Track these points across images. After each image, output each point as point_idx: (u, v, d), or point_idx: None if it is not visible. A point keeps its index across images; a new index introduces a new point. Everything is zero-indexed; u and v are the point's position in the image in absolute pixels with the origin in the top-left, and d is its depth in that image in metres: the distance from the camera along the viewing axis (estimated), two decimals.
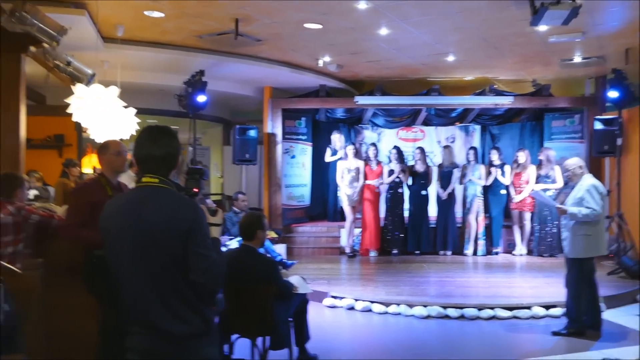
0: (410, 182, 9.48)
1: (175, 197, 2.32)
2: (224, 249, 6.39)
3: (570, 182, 5.88)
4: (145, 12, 6.18)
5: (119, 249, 2.29)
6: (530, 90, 10.43)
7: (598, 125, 8.98)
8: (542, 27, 6.42)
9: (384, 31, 6.91)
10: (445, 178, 9.43)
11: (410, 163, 9.82)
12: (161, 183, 2.31)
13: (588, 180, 5.38)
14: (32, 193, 7.41)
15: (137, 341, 2.28)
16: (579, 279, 5.35)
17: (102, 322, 3.43)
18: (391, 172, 9.41)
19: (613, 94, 8.41)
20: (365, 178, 9.31)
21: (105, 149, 3.82)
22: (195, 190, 2.51)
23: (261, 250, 6.76)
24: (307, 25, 6.69)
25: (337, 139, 10.30)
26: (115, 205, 2.39)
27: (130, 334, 2.30)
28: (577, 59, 8.33)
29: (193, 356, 2.26)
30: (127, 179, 9.30)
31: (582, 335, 5.36)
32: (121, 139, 5.71)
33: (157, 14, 6.25)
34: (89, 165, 11.29)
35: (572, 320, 5.43)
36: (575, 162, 5.54)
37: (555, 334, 5.47)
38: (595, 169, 9.54)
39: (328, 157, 10.26)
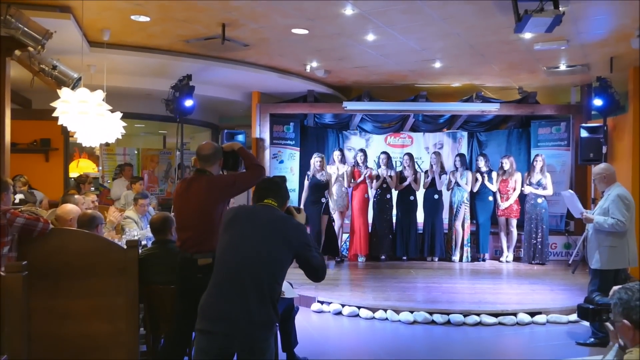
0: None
1: (286, 217, 3.00)
2: None
3: (600, 188, 5.57)
4: (132, 17, 6.15)
5: (238, 234, 2.86)
6: (516, 97, 10.50)
7: (584, 133, 9.06)
8: (527, 35, 6.48)
9: (370, 37, 6.93)
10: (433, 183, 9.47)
11: (399, 169, 9.86)
12: (278, 206, 3.03)
13: (616, 189, 5.22)
14: (18, 197, 7.36)
15: (212, 330, 2.72)
16: (601, 289, 5.05)
17: None
18: (378, 177, 9.43)
19: (598, 102, 8.48)
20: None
21: None
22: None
23: None
24: (294, 31, 6.70)
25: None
26: (240, 208, 3.07)
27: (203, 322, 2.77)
28: (562, 66, 8.38)
29: (261, 344, 2.72)
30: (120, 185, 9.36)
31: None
32: (107, 143, 5.66)
33: (143, 18, 6.22)
34: (76, 169, 11.23)
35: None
36: (602, 168, 5.38)
37: (579, 344, 5.38)
38: (581, 177, 9.67)
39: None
